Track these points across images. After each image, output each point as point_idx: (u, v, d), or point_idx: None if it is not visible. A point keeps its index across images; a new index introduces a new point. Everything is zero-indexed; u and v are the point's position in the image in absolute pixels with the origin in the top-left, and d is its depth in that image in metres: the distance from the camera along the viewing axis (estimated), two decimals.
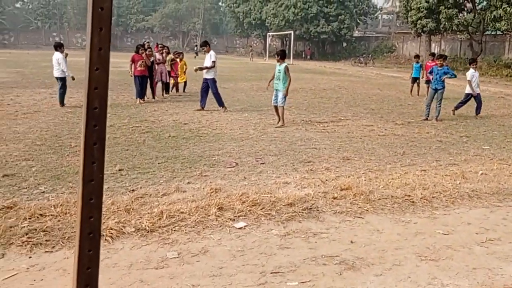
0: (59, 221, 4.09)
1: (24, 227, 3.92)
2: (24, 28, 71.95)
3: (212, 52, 11.10)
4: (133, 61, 12.25)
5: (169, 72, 14.15)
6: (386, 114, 11.64)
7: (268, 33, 50.99)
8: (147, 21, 68.35)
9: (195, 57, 45.41)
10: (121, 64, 28.50)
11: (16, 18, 74.15)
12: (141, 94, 12.25)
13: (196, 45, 57.82)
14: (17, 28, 71.54)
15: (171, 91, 14.69)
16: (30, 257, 3.47)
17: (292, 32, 44.59)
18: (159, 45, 14.58)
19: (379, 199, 4.94)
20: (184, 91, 15.29)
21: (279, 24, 48.93)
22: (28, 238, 3.74)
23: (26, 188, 5.03)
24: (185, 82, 15.36)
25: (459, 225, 4.34)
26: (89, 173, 1.09)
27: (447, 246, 3.84)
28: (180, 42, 66.90)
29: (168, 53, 14.51)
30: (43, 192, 4.92)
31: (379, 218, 4.47)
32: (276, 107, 9.54)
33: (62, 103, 11.23)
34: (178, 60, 14.83)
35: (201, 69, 11.19)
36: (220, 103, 11.27)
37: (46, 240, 3.72)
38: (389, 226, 4.28)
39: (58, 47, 11.40)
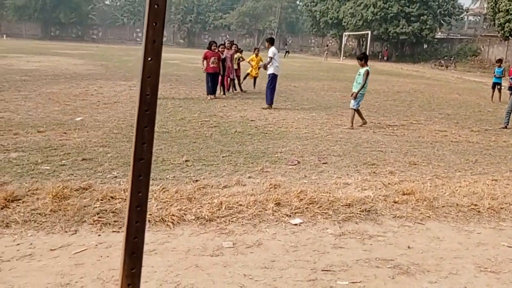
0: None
1: (96, 207, 4.24)
2: (111, 24, 76.63)
3: (272, 49, 11.16)
4: (206, 57, 12.49)
5: (235, 70, 14.38)
6: (462, 120, 11.12)
7: (344, 33, 50.25)
8: (225, 19, 69.95)
9: (284, 56, 46.33)
10: (197, 60, 29.40)
11: (105, 14, 79.11)
12: (211, 90, 12.58)
13: (286, 44, 58.36)
14: (106, 23, 76.33)
15: (231, 89, 14.56)
16: (99, 235, 3.74)
17: (369, 32, 43.65)
18: (227, 42, 14.59)
19: (443, 206, 4.78)
20: (254, 87, 15.41)
21: (357, 24, 48.08)
22: (99, 217, 4.04)
23: (101, 172, 5.41)
24: (255, 79, 15.43)
25: None
26: (140, 153, 1.21)
27: (510, 259, 3.65)
28: (255, 40, 67.76)
29: (237, 51, 14.62)
30: (116, 176, 5.26)
31: (441, 225, 4.33)
32: (356, 110, 9.39)
33: None
34: (244, 58, 15.01)
35: (264, 67, 11.30)
36: (269, 100, 11.24)
37: (114, 221, 4.00)
38: (451, 234, 4.14)
39: None
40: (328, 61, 43.89)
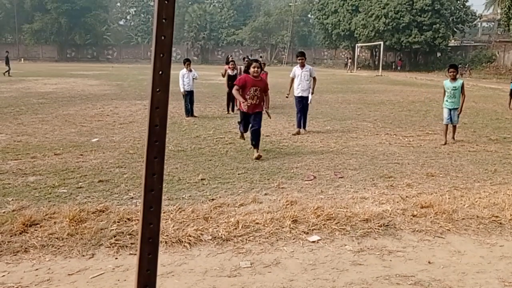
0: None
1: (113, 229, 4.24)
2: (126, 44, 77.86)
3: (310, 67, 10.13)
4: (245, 84, 10.63)
5: None
6: (480, 129, 10.95)
7: (357, 44, 50.26)
8: (237, 34, 70.56)
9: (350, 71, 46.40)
10: (211, 76, 29.70)
11: (120, 34, 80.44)
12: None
13: (351, 58, 58.15)
14: (120, 43, 77.57)
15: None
16: (116, 258, 3.74)
17: (382, 42, 43.57)
18: (230, 58, 13.71)
19: (463, 219, 4.68)
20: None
21: (369, 35, 48.09)
22: (116, 240, 4.04)
23: (117, 193, 5.43)
24: None
25: None
26: (150, 184, 1.20)
27: None
28: (268, 55, 68.10)
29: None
30: (132, 198, 5.28)
31: (462, 239, 4.24)
32: (447, 126, 9.15)
33: (187, 114, 12.09)
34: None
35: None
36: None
37: (131, 243, 3.99)
38: (472, 248, 4.04)
39: (184, 63, 12.40)
40: (343, 73, 43.81)
